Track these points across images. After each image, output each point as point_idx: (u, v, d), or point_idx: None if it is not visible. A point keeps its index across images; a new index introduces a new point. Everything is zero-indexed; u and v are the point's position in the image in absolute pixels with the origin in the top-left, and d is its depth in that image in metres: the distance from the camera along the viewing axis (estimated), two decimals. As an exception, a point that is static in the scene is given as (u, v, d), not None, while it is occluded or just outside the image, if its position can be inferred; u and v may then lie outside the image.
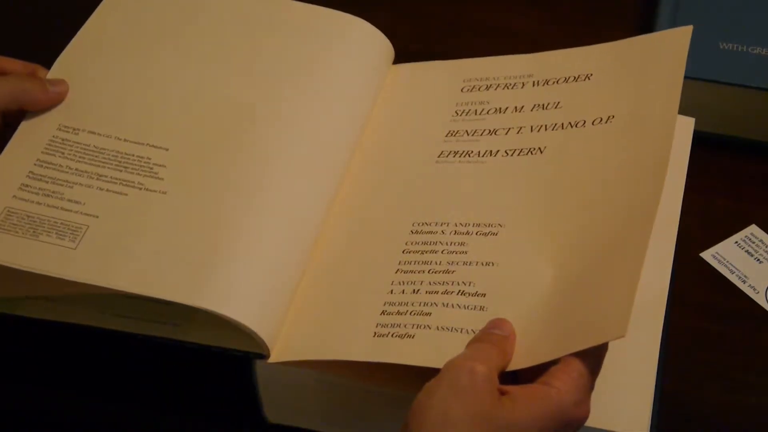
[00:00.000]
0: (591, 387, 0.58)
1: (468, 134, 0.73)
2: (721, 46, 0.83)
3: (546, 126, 0.72)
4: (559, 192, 0.68)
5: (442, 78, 0.78)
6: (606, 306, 0.59)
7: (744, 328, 0.74)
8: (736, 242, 0.78)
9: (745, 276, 0.76)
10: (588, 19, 0.93)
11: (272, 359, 0.63)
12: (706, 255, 0.77)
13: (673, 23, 0.84)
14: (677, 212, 0.72)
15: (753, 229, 0.78)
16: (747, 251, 0.77)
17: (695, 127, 0.76)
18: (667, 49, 0.71)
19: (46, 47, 0.75)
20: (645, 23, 0.89)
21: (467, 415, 0.55)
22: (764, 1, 0.86)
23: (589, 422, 0.61)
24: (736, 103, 0.81)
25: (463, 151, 0.72)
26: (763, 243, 0.77)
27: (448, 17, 0.93)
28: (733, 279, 0.76)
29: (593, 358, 0.58)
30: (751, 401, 0.70)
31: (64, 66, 0.73)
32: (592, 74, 0.74)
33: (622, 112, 0.70)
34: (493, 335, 0.60)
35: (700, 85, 0.81)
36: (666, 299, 0.67)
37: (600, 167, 0.67)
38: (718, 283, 0.76)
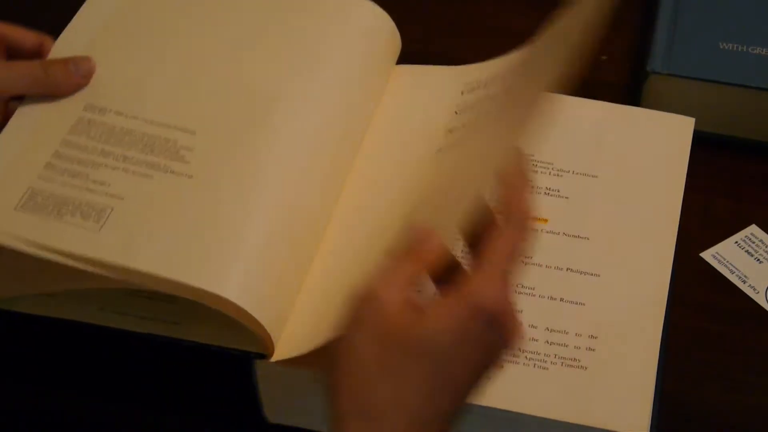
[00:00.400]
0: (509, 278, 0.54)
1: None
2: (721, 46, 0.83)
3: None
4: None
5: (443, 82, 0.78)
6: None
7: (744, 328, 0.74)
8: (736, 242, 0.78)
9: (745, 276, 0.76)
10: (588, 19, 0.93)
11: (274, 358, 0.63)
12: (706, 255, 0.77)
13: (674, 23, 0.84)
14: (677, 212, 0.72)
15: (753, 229, 0.78)
16: (747, 251, 0.77)
17: (695, 127, 0.76)
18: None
19: (53, 24, 0.75)
20: (645, 23, 0.89)
21: (377, 345, 0.52)
22: (764, 1, 0.86)
23: (589, 422, 0.62)
24: (736, 103, 0.81)
25: None
26: (763, 243, 0.77)
27: (448, 17, 0.93)
28: (733, 279, 0.76)
29: (509, 236, 0.54)
30: (751, 401, 0.70)
31: (69, 40, 0.72)
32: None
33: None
34: (413, 248, 0.56)
35: (700, 85, 0.81)
36: (666, 299, 0.67)
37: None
38: (718, 283, 0.76)
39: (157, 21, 0.75)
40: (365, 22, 0.77)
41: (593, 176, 0.74)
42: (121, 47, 0.73)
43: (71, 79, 0.70)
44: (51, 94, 0.70)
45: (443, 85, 0.78)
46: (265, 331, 0.62)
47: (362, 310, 0.53)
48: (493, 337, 0.53)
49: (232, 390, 0.68)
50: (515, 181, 0.56)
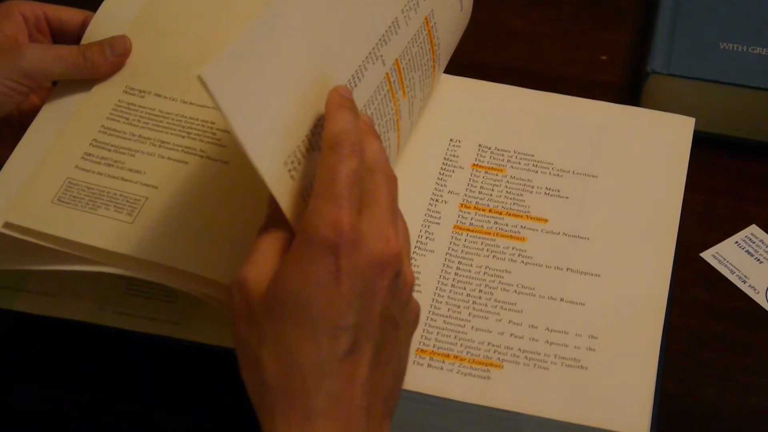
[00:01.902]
0: (338, 198, 0.52)
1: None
2: (721, 46, 0.83)
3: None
4: None
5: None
6: None
7: (744, 328, 0.74)
8: (736, 242, 0.78)
9: (745, 276, 0.76)
10: (588, 19, 0.93)
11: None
12: (706, 255, 0.77)
13: (674, 23, 0.84)
14: (677, 212, 0.72)
15: (753, 229, 0.78)
16: (747, 251, 0.77)
17: (695, 127, 0.76)
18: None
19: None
20: (645, 23, 0.89)
21: (252, 326, 0.52)
22: (764, 1, 0.86)
23: (589, 422, 0.62)
24: (736, 103, 0.81)
25: None
26: (763, 243, 0.77)
27: (448, 17, 0.93)
28: (733, 279, 0.76)
29: (324, 170, 0.53)
30: (751, 401, 0.70)
31: (105, 19, 0.72)
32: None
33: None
34: (264, 226, 0.56)
35: (700, 85, 0.81)
36: (666, 299, 0.67)
37: None
38: (718, 283, 0.76)
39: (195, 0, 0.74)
40: None
41: (593, 176, 0.74)
42: (159, 27, 0.72)
43: (108, 61, 0.70)
44: (90, 78, 0.70)
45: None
46: None
47: (236, 299, 0.53)
48: (344, 264, 0.51)
49: (232, 390, 0.68)
50: (329, 107, 0.55)
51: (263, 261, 0.53)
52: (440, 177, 0.73)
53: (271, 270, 0.53)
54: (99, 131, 0.67)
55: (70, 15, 0.73)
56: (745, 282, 0.76)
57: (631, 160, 0.75)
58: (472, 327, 0.66)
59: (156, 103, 0.68)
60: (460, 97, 0.78)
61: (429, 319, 0.66)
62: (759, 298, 0.75)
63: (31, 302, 0.67)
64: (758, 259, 0.77)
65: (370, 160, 0.55)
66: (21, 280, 0.68)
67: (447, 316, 0.66)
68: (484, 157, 0.75)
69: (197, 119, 0.67)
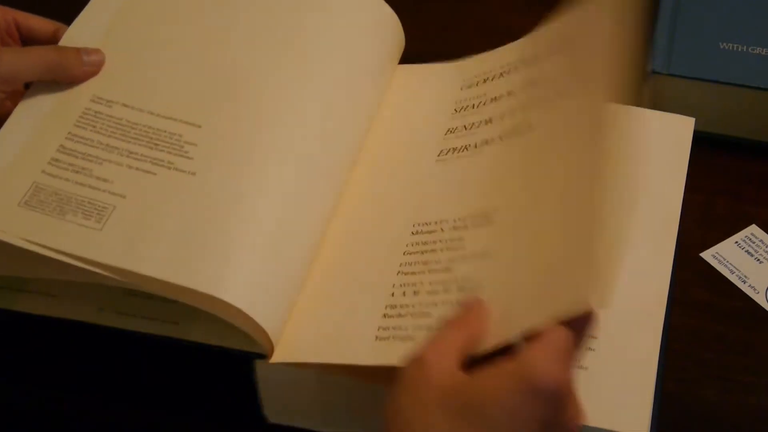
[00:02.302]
0: (568, 358, 0.53)
1: (466, 129, 0.73)
2: (721, 46, 0.83)
3: (537, 100, 0.69)
4: (547, 173, 0.66)
5: (442, 80, 0.78)
6: (584, 277, 0.57)
7: (744, 328, 0.74)
8: (736, 242, 0.78)
9: (745, 276, 0.76)
10: (588, 19, 0.93)
11: (273, 359, 0.63)
12: (706, 255, 0.77)
13: (674, 23, 0.84)
14: (677, 212, 0.72)
15: (753, 229, 0.78)
16: (747, 251, 0.77)
17: (695, 127, 0.76)
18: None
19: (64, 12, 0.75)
20: (645, 24, 0.89)
21: (420, 406, 0.53)
22: (764, 1, 0.86)
23: (589, 422, 0.61)
24: (736, 103, 0.81)
25: (461, 146, 0.72)
26: (763, 243, 0.77)
27: (448, 17, 0.93)
28: (733, 279, 0.76)
29: (572, 328, 0.54)
30: (751, 401, 0.70)
31: (81, 29, 0.72)
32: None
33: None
34: (459, 314, 0.57)
35: (700, 85, 0.81)
36: (666, 299, 0.67)
37: (584, 147, 0.65)
38: (718, 283, 0.76)
39: (167, 14, 0.74)
40: (371, 17, 0.77)
41: None
42: (130, 39, 0.73)
43: (84, 67, 0.70)
44: (63, 80, 0.70)
45: (442, 83, 0.77)
46: (265, 334, 0.62)
47: (411, 374, 0.54)
48: (548, 416, 0.52)
49: (232, 390, 0.68)
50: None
51: (447, 351, 0.54)
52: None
53: (452, 362, 0.54)
54: (66, 138, 0.68)
55: (41, 24, 0.72)
56: (745, 282, 0.76)
57: (631, 159, 0.74)
58: None
59: (123, 113, 0.69)
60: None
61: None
62: (759, 298, 0.75)
63: (31, 302, 0.67)
64: (758, 259, 0.77)
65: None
66: (21, 280, 0.69)
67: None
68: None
69: (165, 131, 0.68)
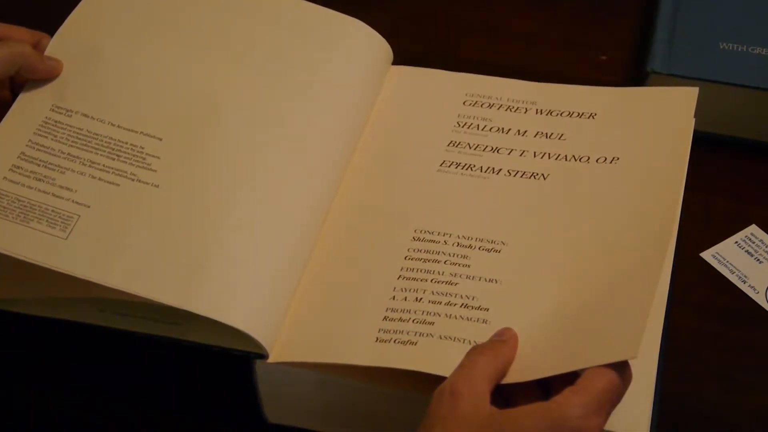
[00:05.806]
0: (604, 407, 0.55)
1: (470, 147, 0.74)
2: (721, 46, 0.83)
3: (550, 154, 0.73)
4: (563, 220, 0.68)
5: (445, 88, 0.78)
6: (616, 328, 0.58)
7: (744, 328, 0.74)
8: (736, 242, 0.78)
9: (745, 276, 0.76)
10: (588, 19, 0.93)
11: (272, 359, 0.63)
12: (706, 255, 0.77)
13: (674, 23, 0.84)
14: (677, 212, 0.72)
15: (753, 229, 0.78)
16: (747, 251, 0.77)
17: (695, 127, 0.76)
18: (675, 105, 0.73)
19: (46, 22, 0.75)
20: (645, 24, 0.89)
21: None
22: (764, 1, 0.86)
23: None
24: (736, 103, 0.81)
25: (466, 164, 0.73)
26: (763, 243, 0.77)
27: (448, 17, 0.93)
28: (733, 279, 0.76)
29: (611, 378, 0.55)
30: (751, 401, 0.70)
31: (61, 43, 0.72)
32: (596, 114, 0.75)
33: (627, 156, 0.71)
34: (488, 343, 0.59)
35: (700, 85, 0.81)
36: (666, 299, 0.67)
37: (606, 204, 0.68)
38: (718, 283, 0.76)
39: (131, 27, 0.75)
40: (351, 41, 0.77)
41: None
42: (86, 46, 0.73)
43: (44, 63, 0.70)
44: (27, 73, 0.70)
45: (444, 92, 0.77)
46: (253, 337, 0.62)
47: (441, 403, 0.54)
48: None
49: (232, 390, 0.68)
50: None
51: (479, 382, 0.55)
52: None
53: (484, 394, 0.55)
54: (27, 145, 0.68)
55: (21, 34, 0.72)
56: (745, 282, 0.76)
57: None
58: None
59: (83, 123, 0.69)
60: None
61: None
62: (759, 298, 0.75)
63: (31, 303, 0.67)
64: (758, 259, 0.77)
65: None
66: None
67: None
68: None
69: (126, 143, 0.69)
